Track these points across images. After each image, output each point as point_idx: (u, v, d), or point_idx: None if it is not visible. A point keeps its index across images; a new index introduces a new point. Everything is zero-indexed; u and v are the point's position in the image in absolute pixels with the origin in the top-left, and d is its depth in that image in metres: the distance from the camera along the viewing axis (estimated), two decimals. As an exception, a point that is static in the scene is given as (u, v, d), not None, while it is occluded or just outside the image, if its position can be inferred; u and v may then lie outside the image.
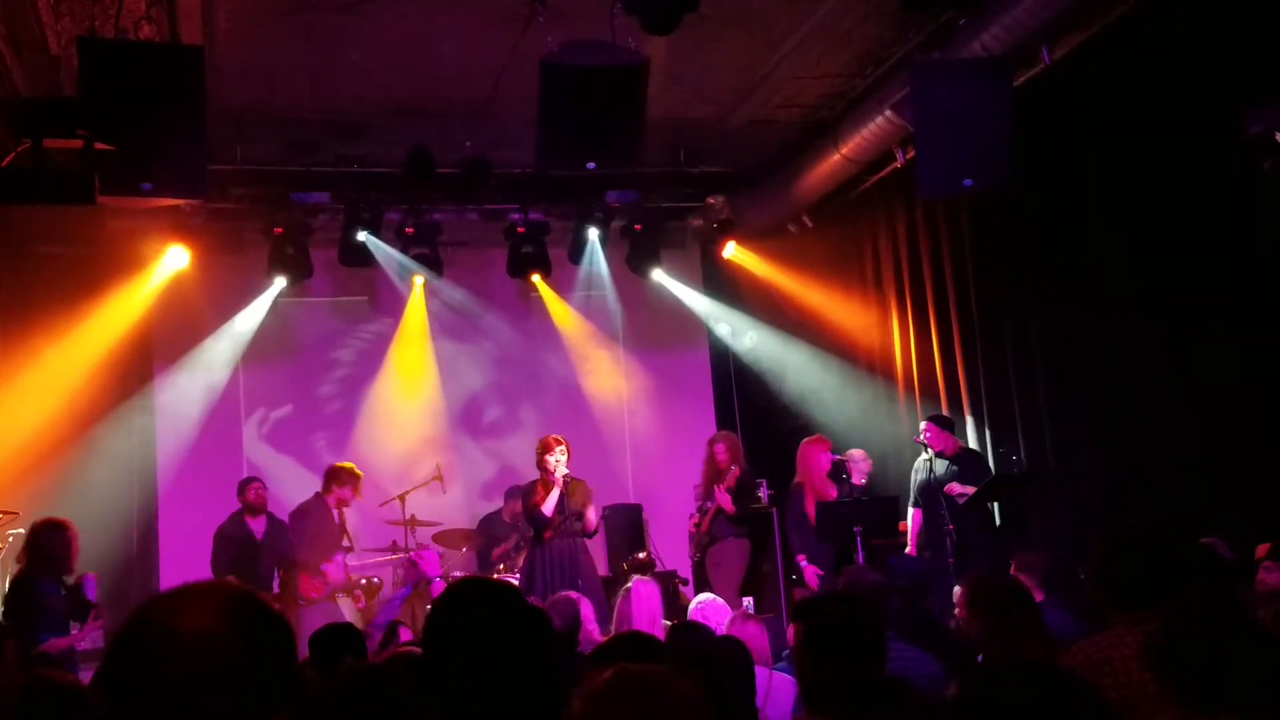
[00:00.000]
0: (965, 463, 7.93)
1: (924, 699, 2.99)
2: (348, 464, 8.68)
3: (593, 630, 5.42)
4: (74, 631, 6.07)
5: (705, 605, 5.23)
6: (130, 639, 1.44)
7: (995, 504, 8.37)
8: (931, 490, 7.82)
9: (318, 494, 8.49)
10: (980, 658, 3.67)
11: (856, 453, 8.72)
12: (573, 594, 5.78)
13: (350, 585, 8.48)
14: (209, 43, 6.82)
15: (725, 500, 8.55)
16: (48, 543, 6.18)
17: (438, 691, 2.11)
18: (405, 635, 5.43)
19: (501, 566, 9.08)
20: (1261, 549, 5.02)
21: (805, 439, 8.71)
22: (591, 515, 7.95)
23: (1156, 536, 3.07)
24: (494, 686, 2.08)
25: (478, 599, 2.24)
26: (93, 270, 9.37)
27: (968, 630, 3.65)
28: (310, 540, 8.22)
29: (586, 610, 5.46)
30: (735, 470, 8.56)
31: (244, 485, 8.87)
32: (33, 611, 5.91)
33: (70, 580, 6.29)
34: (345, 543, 8.50)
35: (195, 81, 6.01)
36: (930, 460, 7.92)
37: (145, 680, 1.40)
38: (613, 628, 5.43)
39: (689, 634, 4.11)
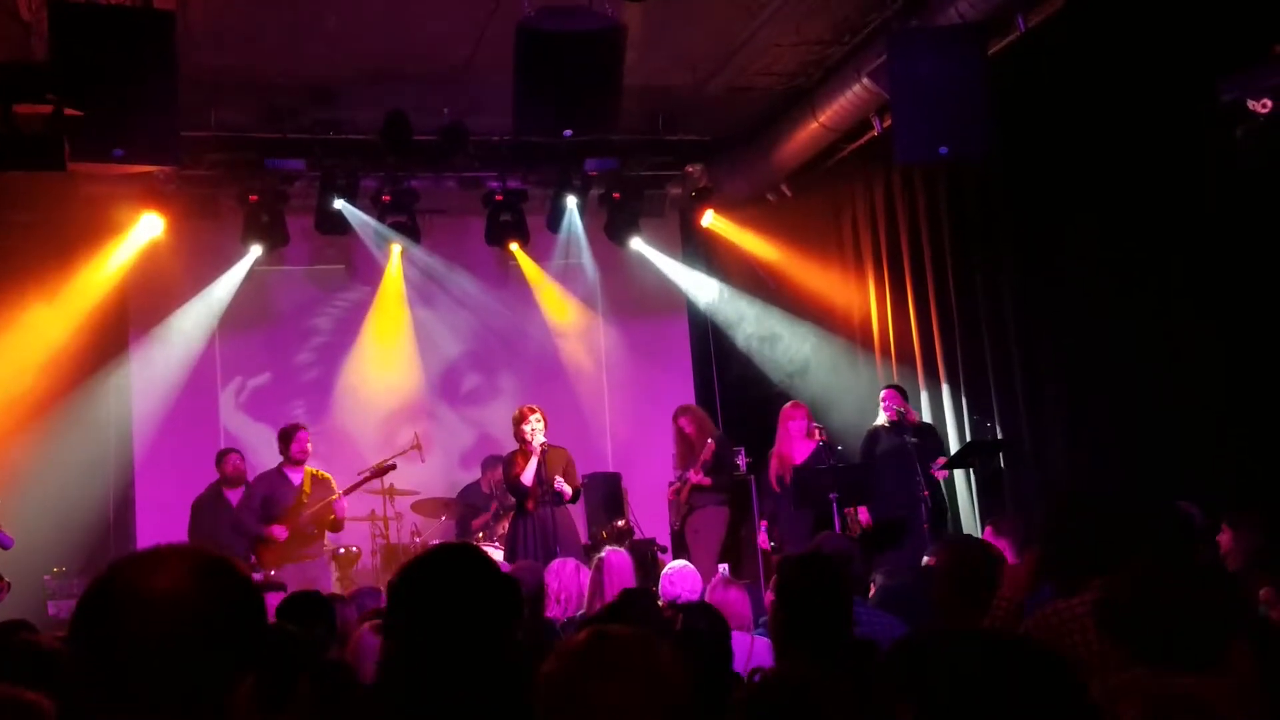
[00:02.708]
0: (923, 434, 8.06)
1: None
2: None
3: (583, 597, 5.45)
4: None
5: (675, 572, 5.26)
6: (98, 597, 1.45)
7: (971, 470, 8.47)
8: (905, 456, 7.87)
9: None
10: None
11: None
12: (571, 561, 5.81)
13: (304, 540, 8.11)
14: (181, 7, 6.74)
15: (698, 477, 8.58)
16: None
17: (399, 656, 2.11)
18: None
19: (481, 535, 9.10)
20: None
21: (785, 405, 8.76)
22: (565, 485, 7.83)
23: (1121, 502, 3.13)
24: (453, 652, 2.07)
25: (441, 566, 2.23)
26: (65, 237, 9.26)
27: (934, 594, 3.70)
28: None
29: (584, 577, 5.48)
30: (710, 445, 8.56)
31: (222, 457, 8.78)
32: None
33: None
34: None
35: (167, 46, 5.97)
36: (890, 427, 7.99)
37: (110, 638, 1.41)
38: (586, 597, 5.45)
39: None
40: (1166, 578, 2.45)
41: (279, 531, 7.92)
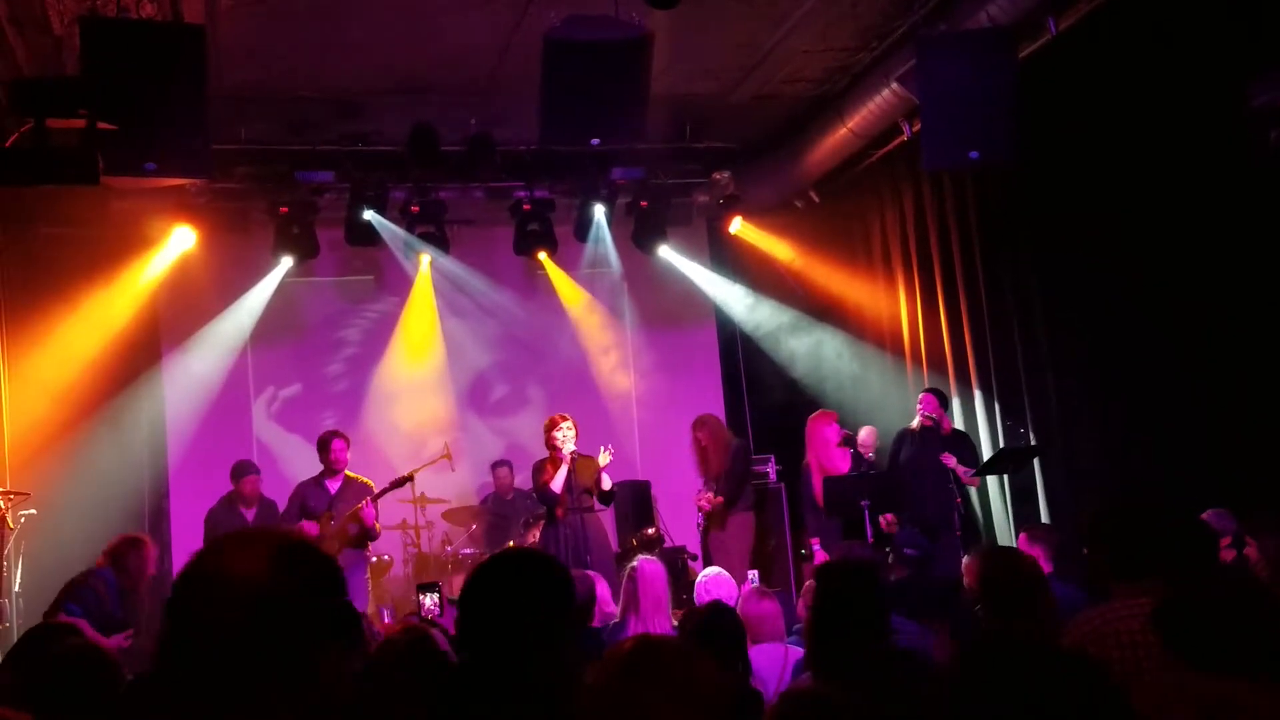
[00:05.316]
0: (957, 443, 7.96)
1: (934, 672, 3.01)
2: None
3: (607, 607, 5.43)
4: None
5: (710, 579, 5.24)
6: (186, 584, 1.51)
7: (1004, 477, 8.39)
8: (933, 464, 7.80)
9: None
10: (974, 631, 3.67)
11: (864, 431, 8.76)
12: (589, 572, 5.81)
13: None
14: (211, 21, 6.81)
15: (712, 503, 8.53)
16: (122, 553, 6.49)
17: (466, 657, 2.13)
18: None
19: (511, 544, 9.10)
20: None
21: (812, 415, 8.66)
22: (605, 483, 7.86)
23: (1153, 506, 3.08)
24: (519, 654, 2.08)
25: (512, 570, 2.24)
26: (99, 251, 9.36)
27: (973, 603, 3.65)
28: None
29: (603, 588, 5.47)
30: (722, 464, 8.50)
31: (240, 476, 8.53)
32: (78, 593, 6.06)
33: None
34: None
35: (197, 60, 6.02)
36: (920, 432, 7.92)
37: (198, 622, 1.46)
38: (619, 606, 5.43)
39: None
40: (1235, 586, 2.42)
41: (310, 526, 7.76)
